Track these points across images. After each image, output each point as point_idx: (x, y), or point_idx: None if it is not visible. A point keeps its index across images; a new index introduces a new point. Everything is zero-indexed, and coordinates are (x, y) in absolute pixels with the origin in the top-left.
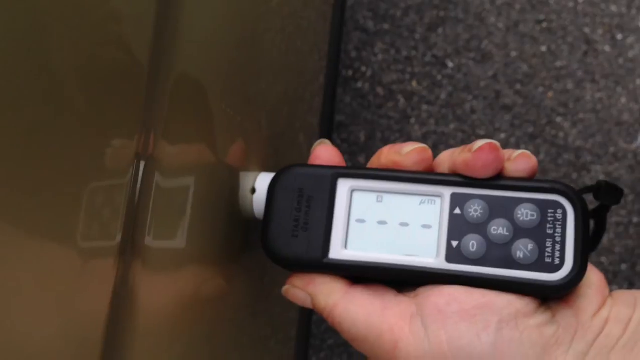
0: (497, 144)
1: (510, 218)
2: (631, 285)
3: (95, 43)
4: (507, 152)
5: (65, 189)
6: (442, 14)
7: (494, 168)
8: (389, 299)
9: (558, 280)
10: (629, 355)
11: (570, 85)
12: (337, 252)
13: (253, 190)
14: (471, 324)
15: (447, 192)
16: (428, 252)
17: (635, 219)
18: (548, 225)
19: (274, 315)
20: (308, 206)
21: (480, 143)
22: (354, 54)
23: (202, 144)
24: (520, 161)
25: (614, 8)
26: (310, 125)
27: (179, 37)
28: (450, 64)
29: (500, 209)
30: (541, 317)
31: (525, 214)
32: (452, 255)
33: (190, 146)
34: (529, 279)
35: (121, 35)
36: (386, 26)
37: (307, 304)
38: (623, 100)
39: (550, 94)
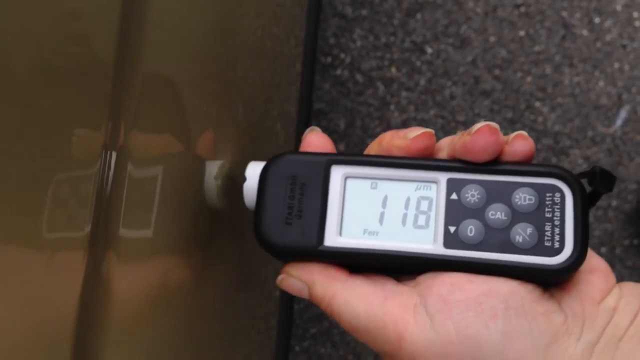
0: (497, 126)
1: (508, 202)
2: (611, 268)
3: (57, 37)
4: (505, 137)
5: (31, 181)
6: None
7: (493, 151)
8: (390, 289)
9: (559, 264)
10: (638, 346)
11: (548, 70)
12: (332, 239)
13: (243, 179)
14: (478, 313)
15: (443, 177)
16: (425, 239)
17: (614, 203)
18: (546, 209)
19: (254, 305)
20: (301, 193)
21: (479, 125)
22: (332, 40)
23: (171, 134)
24: (517, 143)
25: None
26: (287, 113)
27: (147, 26)
28: (429, 50)
29: (498, 194)
30: (548, 304)
31: (523, 198)
32: (450, 240)
33: (160, 136)
34: (529, 263)
35: (85, 27)
36: (364, 12)
37: (304, 293)
38: (601, 84)
39: (529, 78)
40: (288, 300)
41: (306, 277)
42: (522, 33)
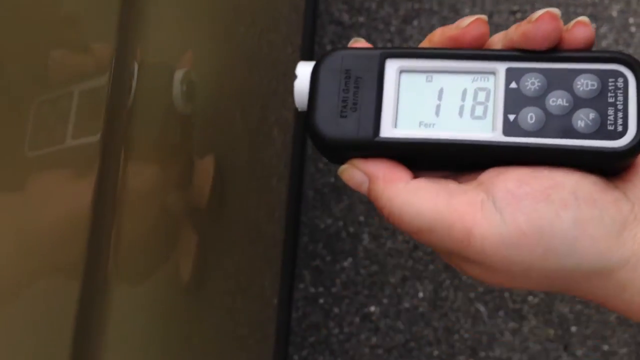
0: (557, 12)
1: (569, 89)
2: None
3: None
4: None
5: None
6: (416, 5)
7: (554, 38)
8: (453, 189)
9: (622, 146)
10: None
11: None
12: (388, 130)
13: (294, 77)
14: (548, 203)
15: (501, 67)
16: (484, 128)
17: None
18: (609, 94)
19: (251, 312)
20: (356, 87)
21: (540, 12)
22: (329, 47)
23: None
24: (577, 29)
25: None
26: (285, 120)
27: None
28: None
29: (559, 81)
30: (615, 194)
31: (585, 84)
32: (510, 128)
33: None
34: (592, 147)
35: None
36: (361, 19)
37: (362, 188)
38: None
39: None
40: (286, 307)
41: (370, 169)
42: None
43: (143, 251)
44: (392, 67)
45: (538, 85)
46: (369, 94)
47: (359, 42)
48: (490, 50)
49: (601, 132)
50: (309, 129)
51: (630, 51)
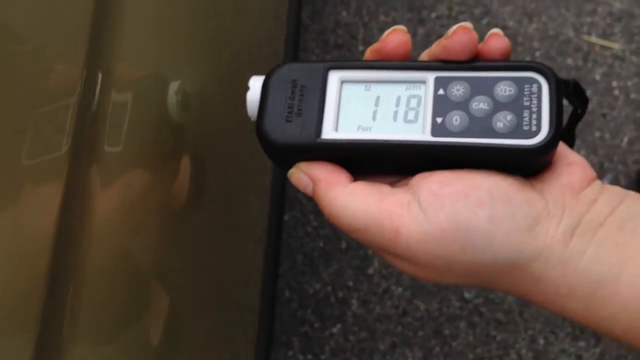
0: (470, 25)
1: (490, 94)
2: None
3: None
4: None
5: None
6: None
7: (470, 48)
8: (386, 191)
9: (536, 144)
10: (617, 234)
11: None
12: (329, 133)
13: (246, 89)
14: (466, 202)
15: (431, 76)
16: (415, 130)
17: None
18: (525, 98)
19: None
20: (301, 94)
21: (454, 27)
22: None
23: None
24: (492, 41)
25: (570, 61)
26: (261, 184)
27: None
28: None
29: (481, 87)
30: (530, 193)
31: (504, 89)
32: (438, 129)
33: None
34: (509, 144)
35: None
36: None
37: (308, 190)
38: (582, 152)
39: None
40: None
41: (314, 173)
42: None
43: (107, 311)
44: (334, 77)
45: (463, 92)
46: (313, 101)
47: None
48: (422, 62)
49: (518, 131)
50: (258, 134)
51: (614, 114)
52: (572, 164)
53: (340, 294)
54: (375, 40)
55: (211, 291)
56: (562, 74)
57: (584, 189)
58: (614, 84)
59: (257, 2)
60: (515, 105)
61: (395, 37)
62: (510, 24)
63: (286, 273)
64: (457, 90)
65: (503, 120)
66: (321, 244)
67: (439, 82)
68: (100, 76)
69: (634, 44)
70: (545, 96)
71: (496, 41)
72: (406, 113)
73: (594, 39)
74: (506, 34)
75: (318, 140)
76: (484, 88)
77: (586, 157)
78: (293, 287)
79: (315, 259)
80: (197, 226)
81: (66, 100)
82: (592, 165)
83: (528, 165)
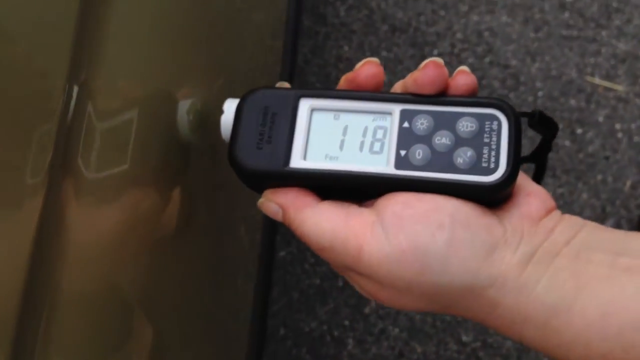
0: (441, 61)
1: (452, 129)
2: None
3: None
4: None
5: None
6: None
7: (439, 83)
8: (352, 211)
9: (493, 181)
10: (572, 263)
11: None
12: (297, 162)
13: (221, 112)
14: (426, 224)
15: (397, 108)
16: (379, 162)
17: None
18: (485, 135)
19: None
20: (272, 122)
21: (426, 61)
22: None
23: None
24: (459, 77)
25: (573, 102)
26: (253, 218)
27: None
28: None
29: (444, 122)
30: (489, 219)
31: (466, 125)
32: (401, 162)
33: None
34: (468, 181)
35: None
36: None
37: (278, 216)
38: (584, 196)
39: None
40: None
41: (281, 200)
42: None
43: (85, 340)
44: (305, 105)
45: (427, 125)
46: (283, 129)
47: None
48: (389, 94)
49: (476, 168)
50: (230, 159)
51: (617, 157)
52: (530, 194)
53: (336, 333)
54: None
55: (198, 324)
56: (565, 115)
57: (543, 219)
58: (617, 126)
59: (253, 33)
60: (475, 141)
61: (368, 69)
62: (513, 62)
63: (281, 310)
64: (421, 124)
65: (463, 156)
66: (318, 282)
67: (404, 115)
68: (76, 89)
69: (638, 86)
70: (504, 133)
71: (463, 78)
72: (372, 144)
73: (597, 80)
74: (509, 74)
75: (286, 168)
76: (447, 123)
77: (587, 200)
78: (288, 324)
79: (311, 296)
80: (186, 256)
81: (50, 117)
82: (594, 208)
83: (486, 200)
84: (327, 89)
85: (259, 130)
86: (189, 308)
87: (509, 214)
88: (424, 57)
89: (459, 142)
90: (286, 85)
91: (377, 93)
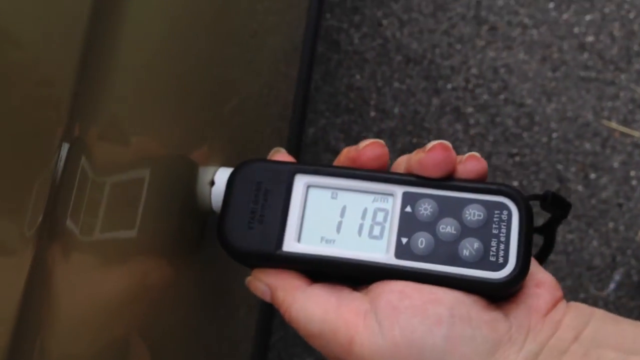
0: (449, 144)
1: (459, 217)
2: None
3: None
4: (459, 157)
5: None
6: (415, 140)
7: (445, 167)
8: (345, 296)
9: (501, 278)
10: None
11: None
12: (291, 245)
13: (212, 183)
14: (423, 318)
15: (399, 190)
16: (379, 249)
17: None
18: (494, 225)
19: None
20: (265, 199)
21: (433, 143)
22: None
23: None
24: (469, 162)
25: (587, 146)
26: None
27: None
28: None
29: (449, 209)
30: (493, 314)
31: (473, 213)
32: (401, 251)
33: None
34: (473, 276)
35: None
36: None
37: (267, 297)
38: (595, 243)
39: None
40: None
41: (270, 281)
42: (515, 183)
43: None
44: (300, 182)
45: (430, 211)
46: (276, 208)
47: (279, 154)
48: (391, 174)
49: (483, 262)
50: (219, 237)
51: (631, 205)
52: (540, 284)
53: None
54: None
55: (198, 358)
56: (579, 158)
57: (551, 312)
58: (632, 173)
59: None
60: (483, 232)
61: (373, 150)
62: (529, 101)
63: (277, 344)
64: (425, 210)
65: (469, 248)
66: None
67: (407, 198)
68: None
69: None
70: (514, 224)
71: (473, 163)
72: (371, 228)
73: (614, 124)
74: (523, 112)
75: (278, 252)
76: (453, 210)
77: (598, 248)
78: (284, 359)
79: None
80: (188, 288)
81: (42, 174)
82: (604, 257)
83: (492, 297)
84: (324, 165)
85: (250, 208)
86: (190, 339)
87: (515, 307)
88: (437, 91)
89: (465, 232)
90: (282, 153)
91: (379, 172)
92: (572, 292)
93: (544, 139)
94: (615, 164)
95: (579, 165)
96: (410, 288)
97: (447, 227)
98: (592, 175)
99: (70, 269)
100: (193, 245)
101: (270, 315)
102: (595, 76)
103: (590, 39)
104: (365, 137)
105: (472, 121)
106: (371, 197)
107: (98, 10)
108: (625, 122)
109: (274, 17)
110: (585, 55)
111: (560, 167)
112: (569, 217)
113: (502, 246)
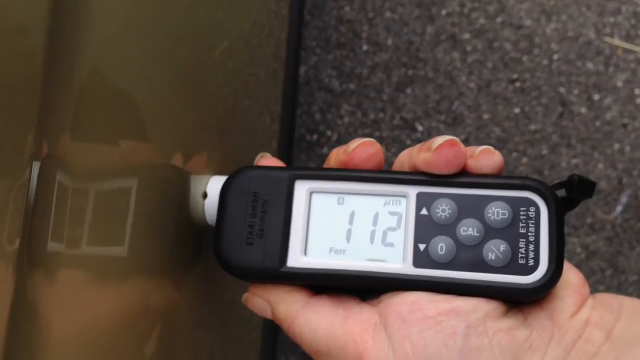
0: (456, 139)
1: (481, 218)
2: None
3: None
4: (470, 150)
5: None
6: (410, 72)
7: (457, 164)
8: (352, 308)
9: (533, 283)
10: None
11: (545, 151)
12: (296, 259)
13: (205, 196)
14: (437, 332)
15: (413, 191)
16: (394, 257)
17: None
18: (521, 225)
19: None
20: (264, 211)
21: (439, 141)
22: (318, 116)
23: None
24: (483, 157)
25: (590, 66)
26: None
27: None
28: (420, 128)
29: (470, 209)
30: (512, 321)
31: (496, 212)
32: (420, 259)
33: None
34: (502, 283)
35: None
36: (352, 86)
37: (267, 314)
38: (600, 166)
39: (525, 160)
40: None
41: (270, 297)
42: (517, 110)
43: None
44: (301, 189)
45: (449, 213)
46: (277, 220)
47: (266, 159)
48: (403, 174)
49: (512, 266)
50: (216, 256)
51: (636, 125)
52: (567, 285)
53: None
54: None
55: None
56: (582, 80)
57: (578, 312)
58: (637, 91)
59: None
60: (509, 232)
61: (364, 151)
62: (527, 23)
63: None
64: (443, 211)
65: (496, 251)
66: None
67: (422, 199)
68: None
69: None
70: (544, 222)
71: (487, 158)
72: (385, 234)
73: (617, 41)
74: (522, 35)
75: (283, 269)
76: (474, 210)
77: (604, 171)
78: None
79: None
80: (184, 307)
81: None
82: (610, 180)
83: (522, 303)
84: (327, 169)
85: (248, 222)
86: None
87: (535, 311)
88: (431, 19)
89: (490, 233)
90: (269, 157)
91: (388, 173)
92: (579, 217)
93: (545, 62)
94: (619, 83)
95: (582, 87)
96: (424, 299)
97: (469, 230)
98: (596, 97)
99: (56, 293)
100: (188, 261)
101: (275, 332)
102: None
103: None
104: (359, 74)
105: (469, 48)
106: (382, 200)
107: None
108: (628, 38)
109: None
110: None
111: (562, 90)
112: (573, 141)
113: (531, 247)
